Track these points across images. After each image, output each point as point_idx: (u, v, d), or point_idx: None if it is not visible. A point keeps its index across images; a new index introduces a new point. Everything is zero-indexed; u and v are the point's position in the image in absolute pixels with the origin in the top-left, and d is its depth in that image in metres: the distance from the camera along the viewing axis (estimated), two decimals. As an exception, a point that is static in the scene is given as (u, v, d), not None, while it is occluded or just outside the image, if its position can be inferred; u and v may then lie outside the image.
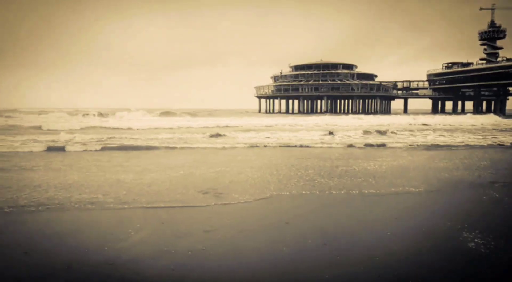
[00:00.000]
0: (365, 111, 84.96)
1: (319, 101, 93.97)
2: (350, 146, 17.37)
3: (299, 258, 4.70)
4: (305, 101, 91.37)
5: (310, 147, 17.00)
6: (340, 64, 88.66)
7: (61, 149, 15.43)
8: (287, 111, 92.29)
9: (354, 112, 79.15)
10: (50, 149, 15.40)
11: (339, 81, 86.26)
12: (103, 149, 15.77)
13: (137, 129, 28.39)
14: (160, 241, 5.23)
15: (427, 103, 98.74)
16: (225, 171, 10.50)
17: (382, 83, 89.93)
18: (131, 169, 10.88)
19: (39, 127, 28.51)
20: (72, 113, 47.30)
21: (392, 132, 24.73)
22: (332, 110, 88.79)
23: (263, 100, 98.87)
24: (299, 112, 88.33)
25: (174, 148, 16.33)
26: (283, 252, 4.87)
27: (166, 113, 52.95)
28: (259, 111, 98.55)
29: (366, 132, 24.36)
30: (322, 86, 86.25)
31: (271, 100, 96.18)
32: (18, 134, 21.50)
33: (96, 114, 47.38)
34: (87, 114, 46.78)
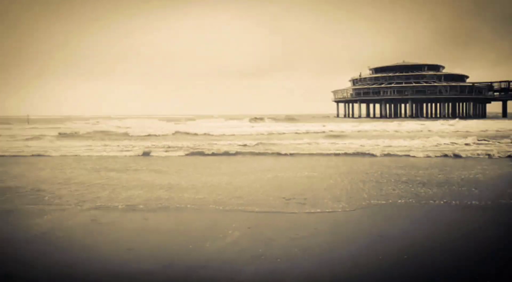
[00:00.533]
0: (455, 116, 78.15)
1: (402, 105, 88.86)
2: (457, 156, 14.96)
3: (394, 273, 4.37)
4: (387, 105, 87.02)
5: (410, 156, 15.09)
6: (425, 65, 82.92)
7: (155, 153, 16.59)
8: (367, 116, 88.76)
9: (442, 117, 73.29)
10: (144, 154, 16.65)
11: (424, 84, 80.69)
12: (193, 153, 16.69)
13: (224, 135, 29.00)
14: (249, 245, 5.26)
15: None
16: (312, 176, 10.48)
17: (475, 84, 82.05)
18: (223, 172, 11.56)
19: (127, 134, 30.31)
20: (162, 119, 50.80)
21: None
22: (418, 115, 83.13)
23: (341, 105, 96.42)
24: (381, 116, 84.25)
25: (260, 153, 16.55)
26: (376, 265, 4.58)
27: (255, 119, 53.88)
28: (337, 115, 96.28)
29: (480, 138, 21.11)
30: (405, 89, 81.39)
31: (350, 104, 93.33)
32: (115, 140, 23.68)
33: (184, 120, 50.17)
34: (166, 121, 49.44)
